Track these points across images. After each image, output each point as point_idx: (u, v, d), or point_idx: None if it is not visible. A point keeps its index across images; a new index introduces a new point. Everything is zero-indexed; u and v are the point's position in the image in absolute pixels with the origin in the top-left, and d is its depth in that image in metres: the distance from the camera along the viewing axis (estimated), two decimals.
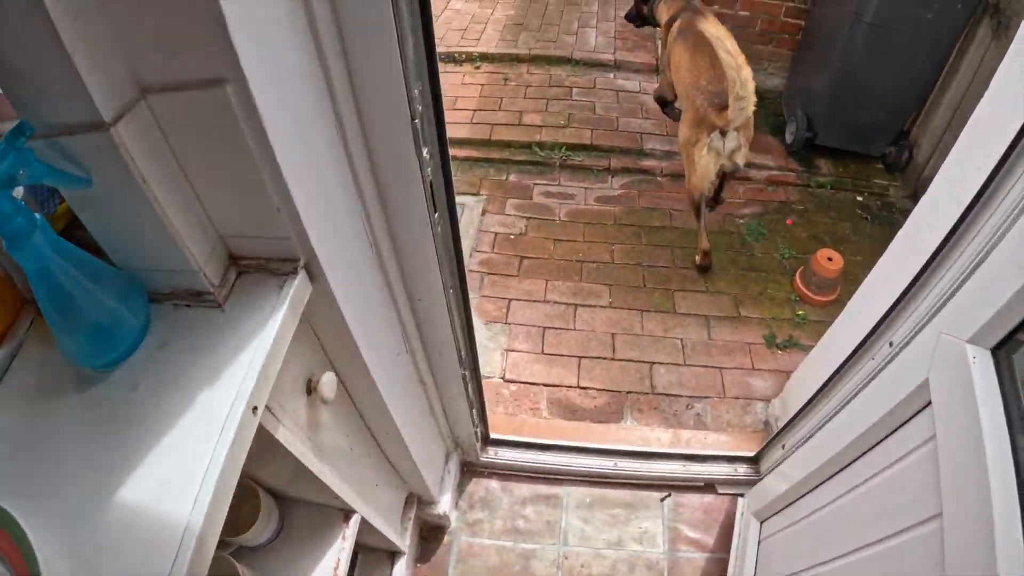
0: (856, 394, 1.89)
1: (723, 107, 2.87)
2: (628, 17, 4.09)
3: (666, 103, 4.10)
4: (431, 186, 1.37)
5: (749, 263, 3.72)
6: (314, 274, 1.00)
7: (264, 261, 0.98)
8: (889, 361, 1.76)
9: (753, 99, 2.78)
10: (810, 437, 2.17)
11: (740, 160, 3.06)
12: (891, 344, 1.79)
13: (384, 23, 0.97)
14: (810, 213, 4.07)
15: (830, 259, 3.42)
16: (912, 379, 1.47)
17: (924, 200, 1.73)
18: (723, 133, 2.97)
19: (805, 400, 2.29)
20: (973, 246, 1.44)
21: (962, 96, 3.73)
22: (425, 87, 1.17)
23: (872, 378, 1.82)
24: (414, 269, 1.53)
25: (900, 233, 1.88)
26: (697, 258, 3.57)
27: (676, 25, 3.39)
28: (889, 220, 4.08)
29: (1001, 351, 1.25)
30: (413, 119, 1.18)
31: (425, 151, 1.29)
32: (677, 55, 3.30)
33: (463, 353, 2.04)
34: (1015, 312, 1.18)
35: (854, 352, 1.98)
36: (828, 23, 4.03)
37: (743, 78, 2.67)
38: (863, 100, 3.92)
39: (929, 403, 1.36)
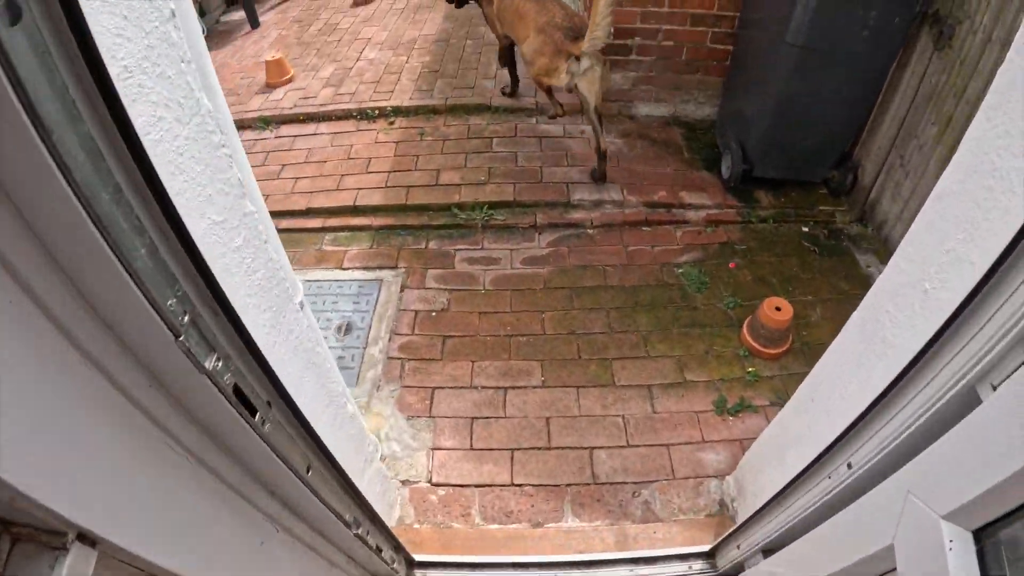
0: (816, 518, 1.60)
1: (577, 38, 3.50)
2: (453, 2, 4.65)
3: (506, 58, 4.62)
4: (238, 389, 1.05)
5: (692, 318, 3.42)
6: (99, 538, 0.77)
7: (34, 531, 0.73)
8: (848, 481, 1.51)
9: (608, 32, 3.44)
10: (768, 551, 1.88)
11: (597, 82, 3.67)
12: (849, 466, 1.54)
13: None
14: (754, 253, 3.80)
15: (778, 308, 3.14)
16: (876, 535, 1.19)
17: (882, 282, 1.42)
18: (578, 59, 3.55)
19: (759, 504, 2.02)
20: (946, 375, 1.13)
21: (907, 110, 3.51)
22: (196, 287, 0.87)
23: (831, 498, 1.57)
24: (254, 467, 1.21)
25: (855, 316, 1.59)
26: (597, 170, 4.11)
27: None
28: (838, 249, 3.84)
29: (988, 536, 0.94)
30: (177, 337, 0.87)
31: (213, 360, 0.97)
32: (519, 7, 3.87)
33: (349, 517, 1.71)
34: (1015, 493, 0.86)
35: (808, 467, 1.70)
36: (757, 47, 3.80)
37: (602, 14, 3.25)
38: (800, 126, 3.69)
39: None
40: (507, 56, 4.56)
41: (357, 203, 4.06)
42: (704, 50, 4.40)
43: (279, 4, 7.14)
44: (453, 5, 4.62)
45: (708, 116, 4.68)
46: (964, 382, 1.09)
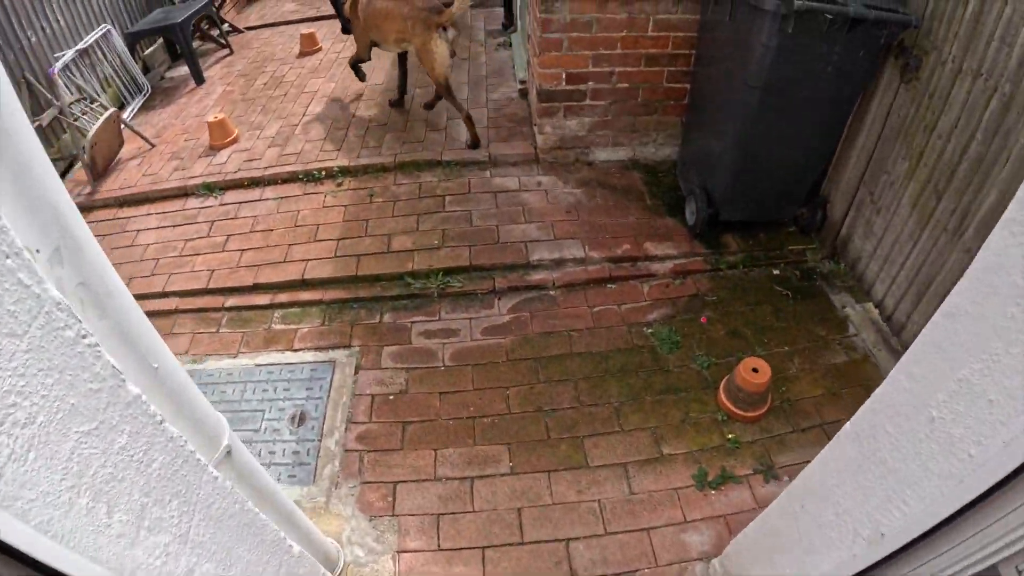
0: None
1: (440, 12, 4.17)
2: (344, 31, 5.26)
3: (360, 63, 5.22)
4: None
5: (665, 383, 3.22)
6: None
7: None
8: None
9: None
10: None
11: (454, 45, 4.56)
12: None
13: None
14: (725, 303, 3.62)
15: (755, 370, 2.96)
16: None
17: (881, 397, 1.23)
18: (445, 28, 4.28)
19: None
20: (964, 550, 0.93)
21: (874, 144, 3.37)
22: None
23: None
24: None
25: (849, 429, 1.45)
26: (467, 139, 4.64)
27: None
28: (811, 291, 3.68)
29: None
30: None
31: None
32: (382, 8, 4.47)
33: None
34: None
35: None
36: (715, 87, 3.64)
37: None
38: (765, 167, 3.53)
39: None
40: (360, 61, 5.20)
41: (306, 276, 3.82)
42: (661, 90, 4.24)
43: (224, 57, 6.89)
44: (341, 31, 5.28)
45: (669, 156, 4.51)
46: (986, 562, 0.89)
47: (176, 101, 6.13)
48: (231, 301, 3.85)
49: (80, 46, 5.45)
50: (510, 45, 6.06)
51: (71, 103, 4.91)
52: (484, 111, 4.94)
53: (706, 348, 3.38)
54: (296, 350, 3.55)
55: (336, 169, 4.50)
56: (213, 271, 4.02)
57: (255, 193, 4.53)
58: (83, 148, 4.68)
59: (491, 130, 4.70)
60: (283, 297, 3.80)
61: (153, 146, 5.30)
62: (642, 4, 3.87)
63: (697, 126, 3.98)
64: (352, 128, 4.96)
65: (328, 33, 7.10)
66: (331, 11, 7.35)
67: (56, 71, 5.02)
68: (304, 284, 3.82)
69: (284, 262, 3.95)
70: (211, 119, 4.94)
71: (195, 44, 7.08)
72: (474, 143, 4.55)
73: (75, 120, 4.95)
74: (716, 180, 3.70)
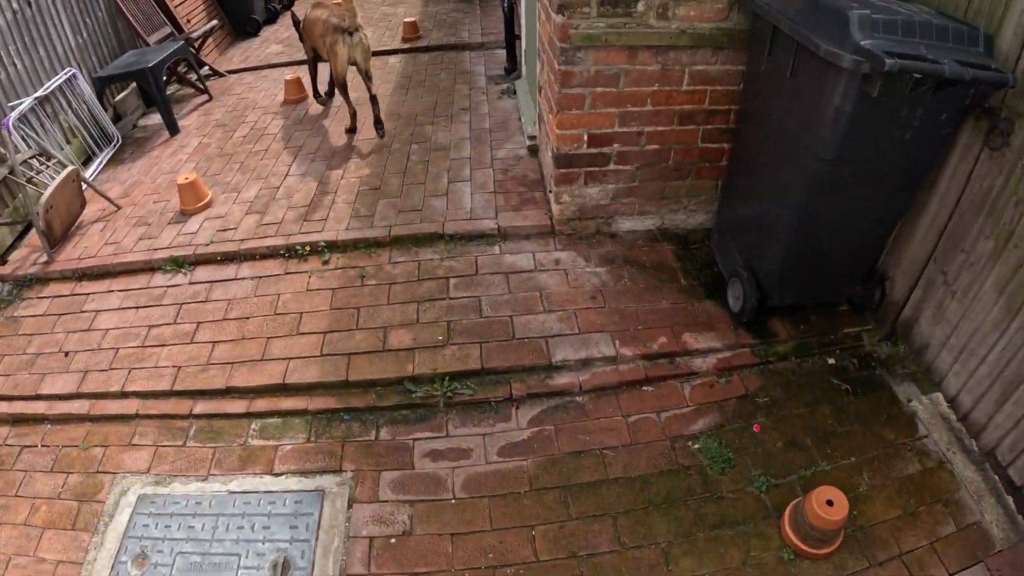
0: None
1: (342, 20, 4.74)
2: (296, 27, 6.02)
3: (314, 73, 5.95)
4: None
5: (719, 514, 2.67)
6: None
7: None
8: None
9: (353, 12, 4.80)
10: None
11: (361, 48, 4.90)
12: None
13: None
14: (779, 404, 3.08)
15: (830, 503, 2.41)
16: None
17: None
18: (350, 34, 4.80)
19: None
20: None
21: (948, 216, 2.87)
22: None
23: None
24: None
25: None
26: (346, 124, 5.32)
27: (306, 15, 5.50)
28: (871, 381, 3.15)
29: None
30: None
31: None
32: (311, 19, 5.34)
33: None
34: None
35: None
36: (768, 151, 3.12)
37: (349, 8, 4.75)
38: (827, 245, 3.03)
39: None
40: (312, 68, 5.92)
41: (288, 379, 3.23)
42: (695, 151, 3.72)
43: (203, 104, 6.33)
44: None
45: (702, 224, 3.99)
46: None
47: (148, 154, 5.55)
48: (201, 407, 3.26)
49: (40, 93, 4.86)
50: (514, 93, 5.55)
51: (25, 160, 4.31)
52: (490, 172, 4.40)
53: (763, 465, 2.82)
54: (277, 474, 2.95)
55: (322, 244, 3.92)
56: (180, 368, 3.43)
57: (229, 270, 3.95)
58: (37, 213, 4.08)
59: (499, 196, 4.15)
60: (261, 404, 3.22)
61: (119, 208, 4.71)
62: (677, 54, 3.36)
63: (740, 193, 3.45)
64: (341, 192, 4.40)
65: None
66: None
67: (10, 123, 4.44)
68: (285, 389, 3.23)
69: (262, 360, 3.37)
70: (182, 180, 4.36)
71: (172, 89, 6.53)
72: (376, 123, 5.11)
73: (29, 180, 4.34)
74: (767, 261, 3.17)
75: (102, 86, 5.60)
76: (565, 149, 3.62)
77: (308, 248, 3.93)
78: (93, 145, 5.49)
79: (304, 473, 2.94)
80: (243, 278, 3.87)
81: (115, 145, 5.67)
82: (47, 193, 4.13)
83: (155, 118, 6.08)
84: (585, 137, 3.61)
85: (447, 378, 3.16)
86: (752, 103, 3.28)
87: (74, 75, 5.33)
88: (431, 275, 3.71)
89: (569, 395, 3.15)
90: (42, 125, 4.92)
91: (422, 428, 3.06)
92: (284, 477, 2.94)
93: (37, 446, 3.30)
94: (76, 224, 4.60)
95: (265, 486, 2.94)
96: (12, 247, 4.55)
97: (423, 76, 6.20)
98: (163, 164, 5.27)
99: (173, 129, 5.72)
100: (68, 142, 5.26)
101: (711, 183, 3.84)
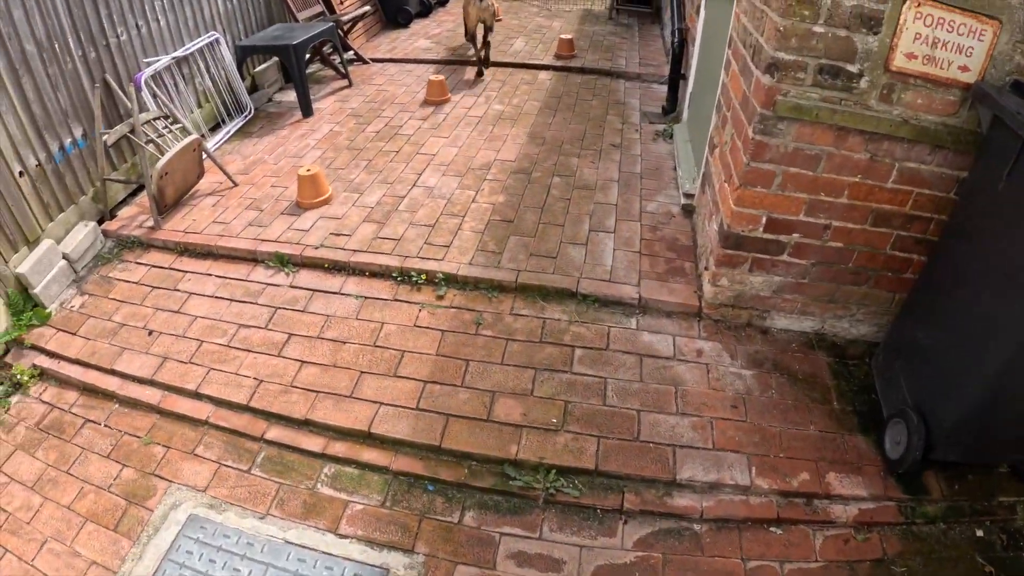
0: None
1: None
2: None
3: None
4: None
5: None
6: None
7: None
8: None
9: None
10: None
11: (487, 11, 6.09)
12: None
13: None
14: None
15: None
16: None
17: None
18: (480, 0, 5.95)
19: None
20: None
21: None
22: None
23: None
24: None
25: None
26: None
27: None
28: (1017, 566, 2.51)
29: None
30: None
31: None
32: None
33: None
34: None
35: None
36: (982, 278, 2.50)
37: None
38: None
39: None
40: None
41: (374, 428, 2.87)
42: (882, 257, 3.12)
43: (341, 89, 6.13)
44: None
45: (865, 336, 3.38)
46: None
47: (276, 132, 5.37)
48: (274, 433, 2.95)
49: (179, 53, 4.73)
50: (671, 136, 5.05)
51: (148, 120, 4.14)
52: (636, 226, 3.93)
53: None
54: (342, 535, 2.59)
55: (440, 276, 3.55)
56: (261, 382, 3.12)
57: (334, 282, 3.63)
58: (151, 177, 3.90)
59: (644, 258, 3.67)
60: (340, 448, 2.86)
61: (235, 184, 4.51)
62: (891, 145, 2.78)
63: (925, 316, 2.83)
64: (470, 218, 4.02)
65: (460, 82, 6.28)
66: (468, 57, 6.58)
67: (142, 79, 4.30)
68: (370, 438, 2.87)
69: (350, 397, 3.01)
70: (303, 171, 4.09)
71: (313, 68, 6.38)
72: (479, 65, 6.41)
73: (149, 141, 4.18)
74: (947, 406, 2.55)
75: (243, 55, 5.46)
76: (737, 229, 3.10)
77: (424, 277, 3.57)
78: (224, 113, 5.36)
79: (371, 543, 2.56)
80: (347, 294, 3.54)
81: (246, 116, 5.53)
82: (164, 158, 3.95)
83: (291, 95, 5.93)
84: (764, 220, 3.09)
85: (553, 471, 2.71)
86: (970, 220, 2.66)
87: (217, 40, 5.21)
88: (555, 339, 3.27)
89: (687, 520, 2.63)
90: (176, 86, 4.79)
91: (513, 522, 2.62)
92: (348, 541, 2.57)
93: (100, 424, 3.11)
94: (190, 193, 4.42)
95: (326, 546, 2.57)
96: (124, 202, 4.42)
97: (573, 99, 5.80)
98: (289, 146, 5.06)
99: (307, 111, 5.53)
100: (200, 106, 5.14)
101: (888, 294, 3.23)
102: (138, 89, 4.31)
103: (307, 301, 3.53)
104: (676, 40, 5.17)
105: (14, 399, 3.27)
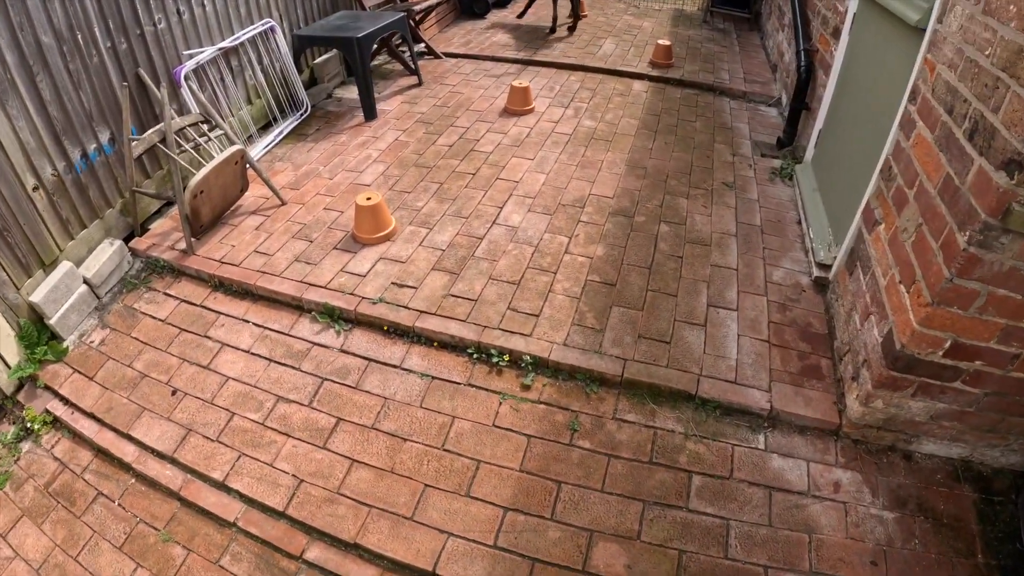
0: None
1: None
2: None
3: None
4: None
5: None
6: None
7: None
8: None
9: None
10: None
11: None
12: None
13: None
14: None
15: None
16: None
17: None
18: None
19: None
20: None
21: None
22: None
23: None
24: None
25: None
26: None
27: None
28: None
29: None
30: None
31: None
32: None
33: None
34: None
35: None
36: None
37: None
38: None
39: None
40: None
41: (439, 569, 2.26)
42: None
43: (410, 88, 5.46)
44: None
45: (1013, 466, 2.67)
46: None
47: (334, 136, 4.74)
48: (315, 553, 2.37)
49: (226, 43, 4.12)
50: (790, 177, 4.30)
51: (182, 128, 3.54)
52: (763, 303, 3.22)
53: None
54: None
55: (528, 360, 2.89)
56: (301, 482, 2.53)
57: (395, 350, 3.00)
58: (183, 196, 3.32)
59: (773, 350, 2.96)
60: None
61: (283, 203, 3.90)
62: None
63: None
64: (563, 275, 3.35)
65: (545, 87, 5.57)
66: (550, 57, 5.87)
67: (182, 74, 3.70)
68: None
69: (411, 519, 2.40)
70: (363, 199, 3.45)
71: (379, 60, 5.72)
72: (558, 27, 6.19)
73: (183, 151, 3.59)
74: None
75: (302, 46, 4.84)
76: (914, 351, 2.39)
77: (507, 358, 2.91)
78: (277, 110, 4.75)
79: None
80: (411, 370, 2.91)
81: (302, 115, 4.92)
82: (199, 175, 3.35)
83: (354, 91, 5.30)
84: (947, 344, 2.37)
85: None
86: None
87: (272, 28, 4.59)
88: (668, 460, 2.59)
89: None
90: (222, 80, 4.19)
91: None
92: None
93: (114, 502, 2.62)
94: (232, 209, 3.83)
95: None
96: (159, 212, 3.85)
97: (674, 119, 5.05)
98: (348, 156, 4.43)
99: (370, 114, 4.89)
100: (250, 102, 4.53)
101: None
102: (177, 85, 3.72)
103: (361, 374, 2.90)
104: (802, 64, 4.39)
105: (25, 447, 2.86)
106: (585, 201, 3.93)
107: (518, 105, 4.99)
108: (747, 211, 3.92)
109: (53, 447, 2.85)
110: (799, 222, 3.85)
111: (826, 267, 3.35)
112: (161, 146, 3.43)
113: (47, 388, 3.03)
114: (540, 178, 4.15)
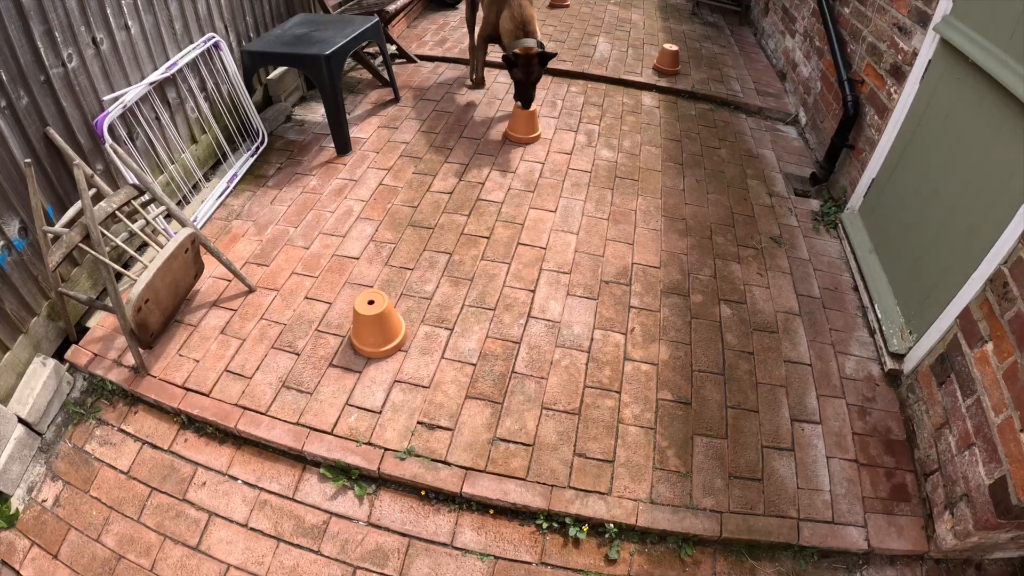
0: None
1: None
2: None
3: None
4: None
5: None
6: None
7: None
8: None
9: None
10: None
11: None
12: None
13: None
14: None
15: None
16: None
17: None
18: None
19: None
20: None
21: None
22: None
23: None
24: None
25: None
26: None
27: None
28: None
29: None
30: None
31: None
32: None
33: None
34: None
35: None
36: None
37: None
38: None
39: None
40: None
41: None
42: None
43: (385, 105, 4.66)
44: None
45: None
46: None
47: (302, 179, 3.94)
48: None
49: (159, 74, 3.26)
50: (834, 226, 3.85)
51: (111, 212, 2.71)
52: (842, 408, 2.80)
53: None
54: None
55: (611, 528, 2.33)
56: None
57: (441, 523, 2.38)
58: (124, 315, 2.55)
59: (862, 472, 2.55)
60: None
61: (252, 290, 3.15)
62: None
63: None
64: (629, 394, 2.77)
65: (546, 101, 4.89)
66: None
67: (104, 125, 2.88)
68: None
69: None
70: (362, 304, 2.75)
71: (345, 68, 4.86)
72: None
73: (114, 247, 2.81)
74: None
75: (254, 65, 3.95)
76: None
77: (586, 528, 2.34)
78: (227, 145, 3.90)
79: None
80: (465, 549, 2.30)
81: (258, 148, 4.08)
82: (142, 282, 2.59)
83: (317, 109, 4.49)
84: None
85: None
86: None
87: (216, 43, 3.73)
88: None
89: None
90: (157, 119, 3.33)
91: None
92: None
93: None
94: (186, 299, 3.07)
95: None
96: (92, 309, 3.04)
97: (697, 145, 4.49)
98: (323, 211, 3.67)
99: (343, 148, 4.10)
100: (194, 140, 3.68)
101: None
102: (100, 141, 2.88)
103: (403, 559, 2.27)
104: (848, 98, 3.88)
105: None
106: (630, 275, 3.34)
107: (522, 133, 4.30)
108: (803, 278, 3.44)
109: None
110: (855, 288, 3.42)
111: (898, 357, 2.95)
112: (85, 246, 2.61)
113: (5, 564, 2.32)
114: (570, 241, 3.51)
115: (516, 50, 3.98)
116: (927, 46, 3.18)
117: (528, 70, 4.02)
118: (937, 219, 2.89)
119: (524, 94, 4.15)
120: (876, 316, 3.17)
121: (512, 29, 4.06)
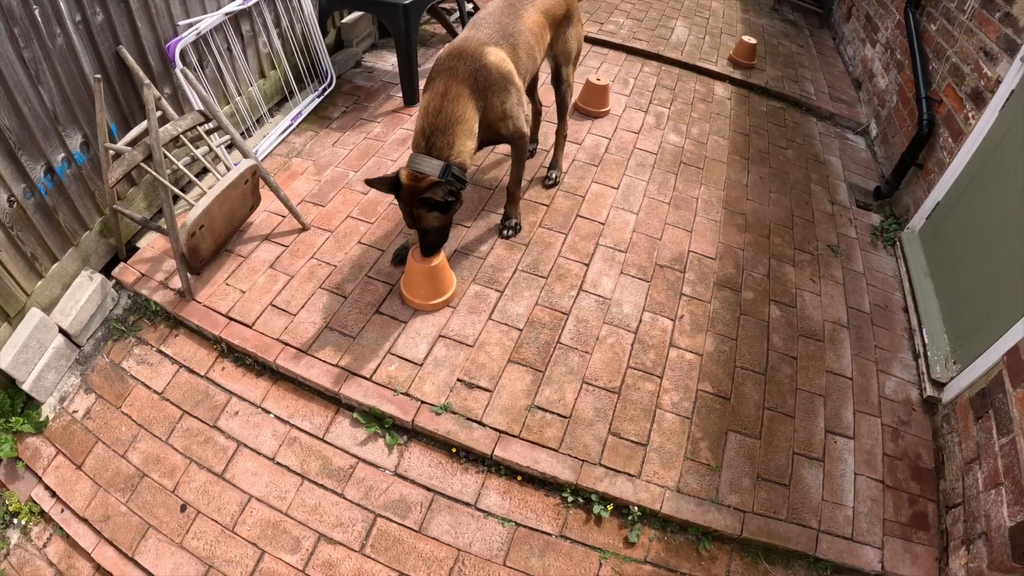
0: None
1: None
2: None
3: None
4: None
5: None
6: None
7: None
8: None
9: None
10: None
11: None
12: None
13: None
14: None
15: None
16: None
17: None
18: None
19: None
20: None
21: None
22: None
23: None
24: None
25: None
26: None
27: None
28: None
29: None
30: None
31: None
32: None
33: None
34: None
35: None
36: None
37: None
38: None
39: None
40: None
41: None
42: None
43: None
44: None
45: None
46: None
47: (366, 125, 3.96)
48: None
49: (234, 5, 3.28)
50: (892, 243, 3.78)
51: (176, 135, 2.74)
52: (876, 427, 2.79)
53: None
54: None
55: (635, 511, 2.35)
56: None
57: (467, 484, 2.42)
58: (177, 238, 2.60)
59: (887, 494, 2.56)
60: None
61: (306, 228, 3.18)
62: None
63: None
64: (670, 381, 2.77)
65: (618, 78, 4.84)
66: (618, 37, 5.11)
67: (176, 50, 2.91)
68: None
69: None
70: (417, 261, 2.76)
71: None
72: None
73: (175, 169, 2.85)
74: None
75: (331, 7, 3.96)
76: None
77: (610, 506, 2.36)
78: (295, 83, 3.92)
79: None
80: (489, 513, 2.34)
81: (325, 89, 4.11)
82: (199, 208, 2.65)
83: (388, 58, 4.48)
84: None
85: None
86: None
87: None
88: None
89: None
90: (229, 50, 3.36)
91: None
92: None
93: None
94: (239, 231, 3.11)
95: None
96: (144, 229, 3.10)
97: (765, 143, 4.42)
98: (384, 159, 3.69)
99: (411, 98, 4.11)
100: (263, 75, 3.71)
101: None
102: (171, 65, 2.91)
103: (425, 512, 2.32)
104: (924, 116, 3.77)
105: (13, 538, 2.34)
106: (685, 261, 3.32)
107: (593, 106, 4.27)
108: (855, 290, 3.40)
109: (45, 546, 2.31)
110: (905, 309, 3.36)
111: (939, 384, 2.91)
112: (146, 166, 2.65)
113: (28, 469, 2.43)
114: (630, 220, 3.49)
115: (402, 171, 2.49)
116: (1012, 75, 3.08)
117: (408, 207, 2.52)
118: (998, 252, 2.83)
119: (420, 240, 2.69)
120: (923, 340, 3.12)
121: (419, 131, 2.52)
